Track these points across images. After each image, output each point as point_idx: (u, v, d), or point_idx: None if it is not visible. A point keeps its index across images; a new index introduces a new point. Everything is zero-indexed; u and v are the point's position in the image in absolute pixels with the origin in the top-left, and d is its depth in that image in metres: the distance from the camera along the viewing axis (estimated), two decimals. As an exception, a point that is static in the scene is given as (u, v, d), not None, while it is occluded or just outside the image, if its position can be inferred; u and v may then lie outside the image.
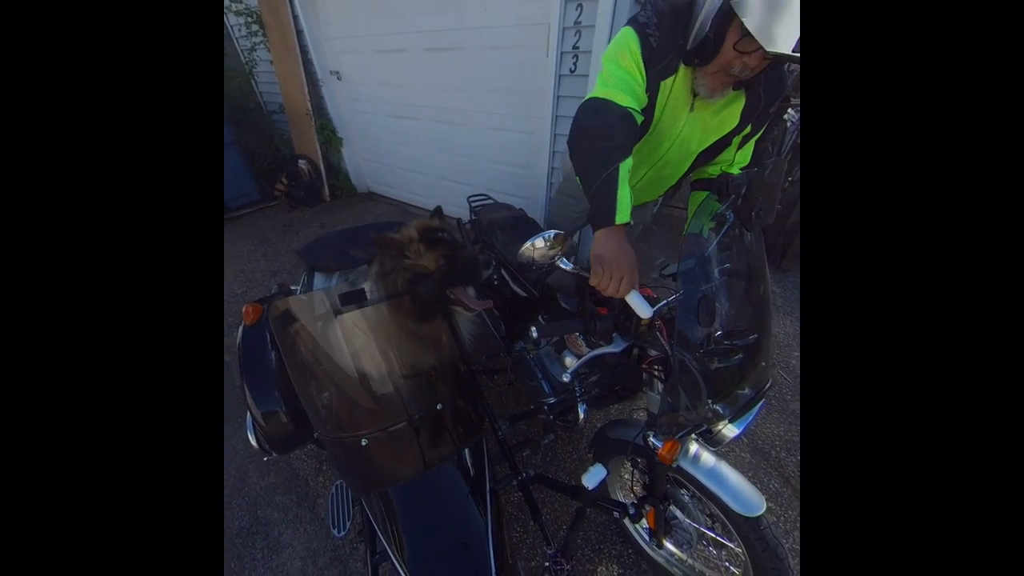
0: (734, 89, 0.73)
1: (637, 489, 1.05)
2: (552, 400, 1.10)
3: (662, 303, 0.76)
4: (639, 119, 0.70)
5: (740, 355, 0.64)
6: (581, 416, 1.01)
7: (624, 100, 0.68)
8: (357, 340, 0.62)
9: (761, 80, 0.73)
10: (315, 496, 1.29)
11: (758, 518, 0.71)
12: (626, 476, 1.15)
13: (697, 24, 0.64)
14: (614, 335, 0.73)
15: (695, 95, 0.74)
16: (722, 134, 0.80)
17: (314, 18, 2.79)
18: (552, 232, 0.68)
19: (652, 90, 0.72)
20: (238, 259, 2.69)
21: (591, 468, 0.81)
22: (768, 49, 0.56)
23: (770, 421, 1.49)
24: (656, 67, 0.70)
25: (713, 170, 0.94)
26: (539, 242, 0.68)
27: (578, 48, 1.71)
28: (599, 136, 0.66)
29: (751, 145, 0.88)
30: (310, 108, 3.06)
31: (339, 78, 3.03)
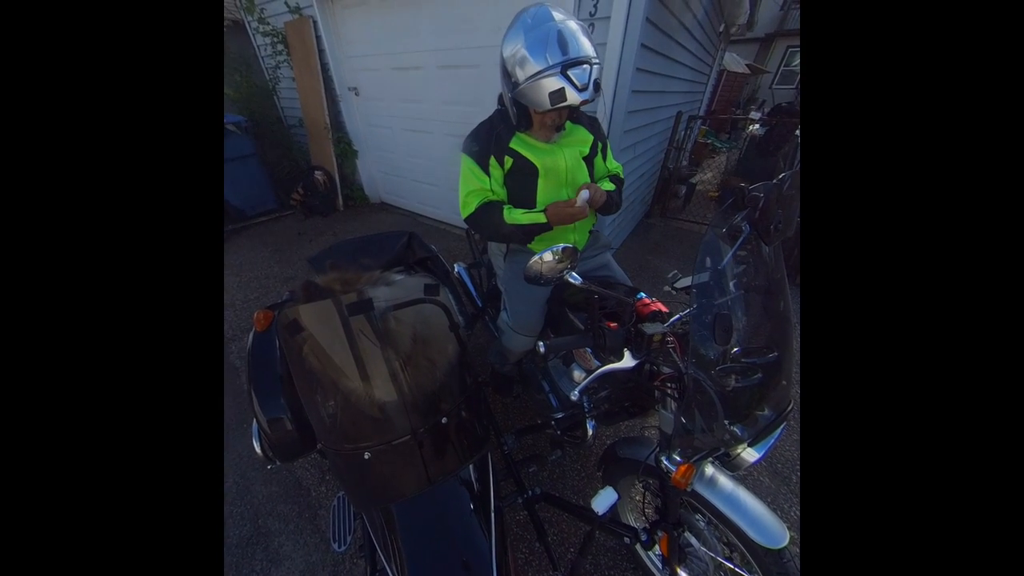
0: (559, 129, 0.99)
1: (649, 512, 1.00)
2: (560, 415, 1.07)
3: (675, 317, 0.73)
4: (493, 195, 1.00)
5: (759, 374, 0.61)
6: (589, 432, 0.97)
7: (474, 200, 0.99)
8: (363, 350, 0.62)
9: (576, 113, 1.01)
10: (317, 507, 1.27)
11: (781, 550, 0.67)
12: (637, 498, 1.10)
13: (510, 111, 0.94)
14: (625, 351, 0.71)
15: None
16: (589, 144, 1.02)
17: (336, 37, 2.94)
18: (561, 245, 0.68)
19: (507, 153, 0.97)
20: (253, 265, 2.76)
21: (601, 491, 0.77)
22: (550, 109, 0.81)
23: (790, 443, 1.42)
24: (492, 150, 0.97)
25: (604, 185, 1.07)
26: (547, 256, 0.67)
27: (589, 64, 1.74)
28: (486, 222, 1.00)
29: (609, 152, 1.12)
30: (328, 122, 3.18)
31: (357, 94, 3.16)
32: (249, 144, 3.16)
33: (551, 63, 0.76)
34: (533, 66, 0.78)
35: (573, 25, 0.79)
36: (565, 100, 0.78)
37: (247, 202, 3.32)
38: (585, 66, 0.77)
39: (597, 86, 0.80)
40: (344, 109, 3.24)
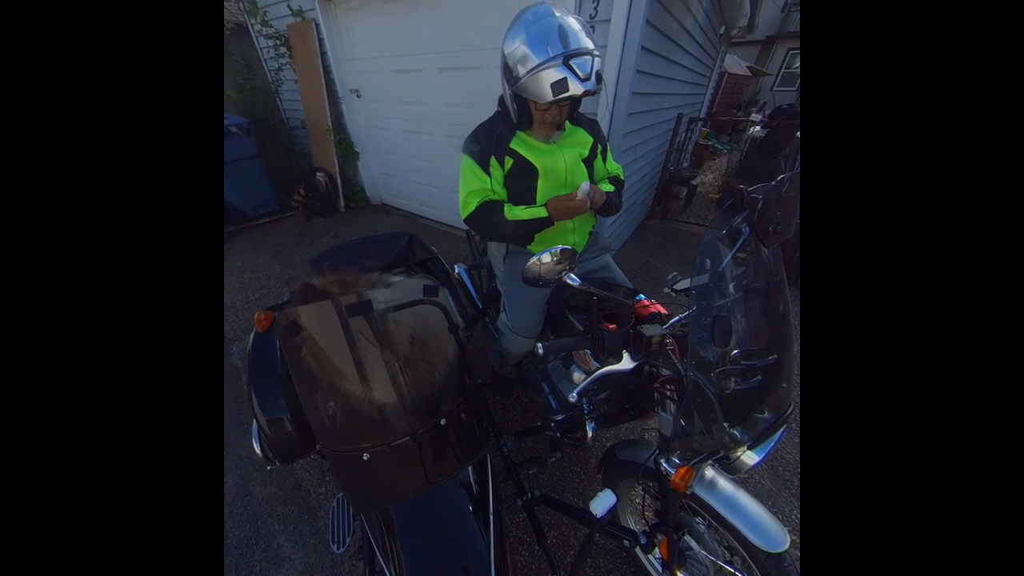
0: (559, 128, 1.00)
1: (649, 515, 1.00)
2: (560, 417, 1.07)
3: (674, 319, 0.73)
4: (494, 195, 1.00)
5: (759, 376, 0.60)
6: (589, 434, 0.97)
7: (474, 200, 0.98)
8: (362, 351, 0.62)
9: (576, 115, 1.02)
10: (316, 508, 1.27)
11: (781, 554, 0.66)
12: (637, 500, 1.10)
13: (511, 109, 0.93)
14: (624, 353, 0.71)
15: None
16: (589, 146, 1.03)
17: (338, 40, 2.95)
18: (559, 247, 0.68)
19: (508, 153, 0.97)
20: (254, 267, 2.77)
21: (600, 494, 0.77)
22: (550, 100, 0.80)
23: (791, 446, 1.41)
24: (492, 150, 0.97)
25: (603, 187, 1.06)
26: (546, 257, 0.67)
27: (589, 66, 1.75)
28: (486, 221, 1.00)
29: (609, 154, 1.12)
30: (330, 124, 3.20)
31: (358, 96, 3.17)
32: (251, 146, 3.17)
33: (552, 55, 0.77)
34: (534, 59, 0.78)
35: (574, 20, 0.80)
36: (567, 90, 0.78)
37: (249, 203, 3.33)
38: (587, 57, 0.77)
39: (599, 77, 0.81)
40: (346, 111, 3.26)
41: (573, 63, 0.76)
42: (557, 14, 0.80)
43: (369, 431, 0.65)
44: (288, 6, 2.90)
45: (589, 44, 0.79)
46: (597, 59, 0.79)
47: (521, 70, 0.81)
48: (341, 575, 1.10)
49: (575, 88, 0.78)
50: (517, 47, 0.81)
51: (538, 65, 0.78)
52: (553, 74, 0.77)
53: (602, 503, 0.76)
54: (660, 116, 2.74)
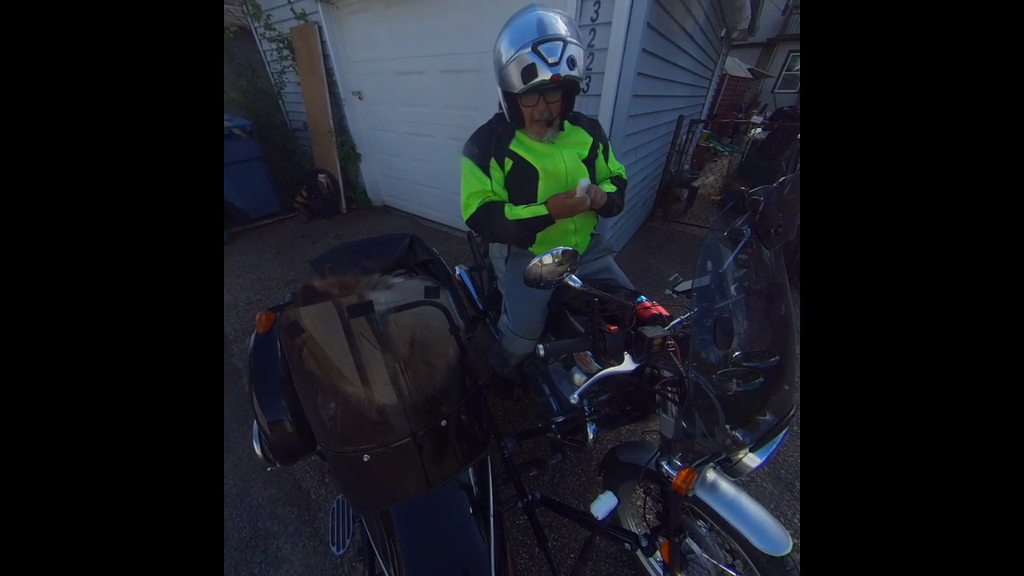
0: (551, 126, 0.99)
1: (650, 518, 0.99)
2: (560, 418, 1.07)
3: (676, 320, 0.73)
4: (495, 196, 1.00)
5: (761, 378, 0.60)
6: (590, 436, 0.97)
7: (475, 201, 0.99)
8: (363, 352, 0.62)
9: (575, 114, 1.03)
10: (316, 510, 1.27)
11: (784, 558, 0.66)
12: (638, 503, 1.09)
13: (504, 108, 0.97)
14: (625, 354, 0.70)
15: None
16: (588, 146, 1.03)
17: (340, 43, 2.97)
18: (560, 248, 0.68)
19: (507, 155, 0.98)
20: (256, 267, 2.77)
21: (601, 496, 0.76)
22: (522, 87, 0.84)
23: (793, 448, 1.40)
24: (492, 152, 0.98)
25: (604, 187, 1.07)
26: (547, 258, 0.67)
27: (591, 69, 1.75)
28: (488, 221, 1.00)
29: (611, 153, 1.12)
30: (332, 126, 3.22)
31: (360, 98, 3.19)
32: (254, 147, 3.19)
33: (524, 42, 0.80)
34: (510, 52, 0.82)
35: (554, 14, 0.82)
36: (536, 76, 0.81)
37: (251, 204, 3.34)
38: (557, 43, 0.79)
39: (572, 63, 0.81)
40: (348, 113, 3.27)
41: (541, 49, 0.79)
42: (540, 9, 0.82)
43: (369, 432, 0.64)
44: (291, 9, 2.93)
45: (564, 32, 0.80)
46: (572, 46, 0.80)
47: (501, 63, 0.85)
48: (341, 577, 1.10)
49: (543, 74, 0.80)
50: (500, 45, 0.86)
51: (512, 56, 0.82)
52: (524, 59, 0.80)
53: (603, 505, 0.76)
54: (661, 118, 2.75)
